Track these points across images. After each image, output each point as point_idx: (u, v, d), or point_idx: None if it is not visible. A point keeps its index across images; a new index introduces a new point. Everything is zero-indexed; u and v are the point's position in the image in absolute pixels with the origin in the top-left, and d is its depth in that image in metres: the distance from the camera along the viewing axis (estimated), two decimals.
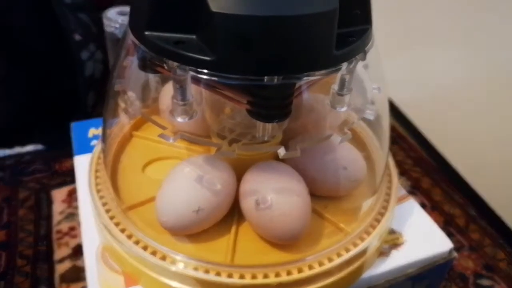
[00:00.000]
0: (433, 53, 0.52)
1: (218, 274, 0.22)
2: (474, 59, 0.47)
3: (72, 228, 0.44)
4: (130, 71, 0.24)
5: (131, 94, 0.24)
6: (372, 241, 0.25)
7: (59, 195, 0.48)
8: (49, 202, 0.47)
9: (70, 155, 0.34)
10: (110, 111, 0.27)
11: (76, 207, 0.46)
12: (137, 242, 0.24)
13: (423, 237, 0.27)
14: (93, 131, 0.36)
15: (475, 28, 0.45)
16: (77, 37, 0.51)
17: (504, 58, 0.43)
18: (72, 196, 0.48)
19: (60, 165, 0.53)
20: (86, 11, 0.55)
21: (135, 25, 0.21)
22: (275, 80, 0.19)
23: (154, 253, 0.23)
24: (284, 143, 0.26)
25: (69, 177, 0.51)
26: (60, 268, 0.40)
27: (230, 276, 0.22)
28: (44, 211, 0.46)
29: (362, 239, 0.25)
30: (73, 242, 0.43)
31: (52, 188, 0.49)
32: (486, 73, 0.45)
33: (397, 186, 0.29)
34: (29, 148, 0.55)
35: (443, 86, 0.52)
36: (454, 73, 0.50)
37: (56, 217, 0.46)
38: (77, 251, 0.42)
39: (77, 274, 0.40)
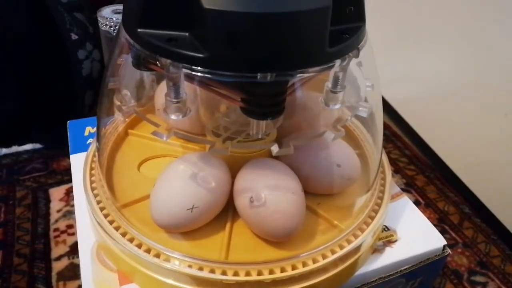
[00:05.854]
0: (427, 51, 0.52)
1: (212, 271, 0.22)
2: (468, 57, 0.47)
3: (69, 226, 0.44)
4: (124, 69, 0.24)
5: (125, 92, 0.24)
6: (366, 238, 0.25)
7: (56, 193, 0.48)
8: (47, 200, 0.48)
9: (67, 154, 0.34)
10: (104, 110, 0.27)
11: (73, 206, 0.46)
12: (131, 240, 0.24)
13: (416, 234, 0.27)
14: (90, 130, 0.36)
15: (470, 26, 0.45)
16: (74, 36, 0.51)
17: (498, 57, 0.43)
18: (69, 195, 0.48)
19: (57, 164, 0.53)
20: (82, 10, 0.55)
21: (128, 22, 0.21)
22: (268, 77, 0.19)
23: (148, 250, 0.23)
24: (279, 140, 0.26)
25: (66, 175, 0.51)
26: (57, 266, 0.40)
27: (224, 273, 0.22)
28: (41, 210, 0.46)
29: (356, 236, 0.25)
30: (70, 240, 0.43)
31: (50, 187, 0.49)
32: (480, 72, 0.45)
33: (391, 184, 0.29)
34: (27, 147, 0.55)
35: (437, 85, 0.52)
36: (448, 71, 0.50)
37: (54, 215, 0.46)
38: (75, 249, 0.42)
39: (74, 271, 0.40)
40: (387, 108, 0.61)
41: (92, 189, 0.27)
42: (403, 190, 0.49)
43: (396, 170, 0.54)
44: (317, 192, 0.27)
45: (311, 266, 0.23)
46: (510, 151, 0.42)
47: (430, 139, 0.55)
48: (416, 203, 0.49)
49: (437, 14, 0.50)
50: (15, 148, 0.55)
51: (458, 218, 0.47)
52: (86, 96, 0.56)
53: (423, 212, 0.41)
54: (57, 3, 0.51)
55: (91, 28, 0.55)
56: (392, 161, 0.55)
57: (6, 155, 0.54)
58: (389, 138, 0.59)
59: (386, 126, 0.61)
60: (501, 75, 0.43)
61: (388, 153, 0.56)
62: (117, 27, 0.37)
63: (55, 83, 0.55)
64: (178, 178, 0.24)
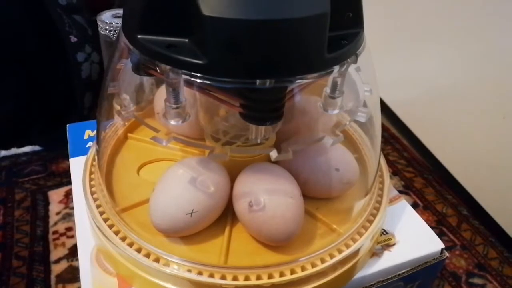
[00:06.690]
0: (426, 53, 0.53)
1: (211, 275, 0.22)
2: (466, 60, 0.47)
3: (68, 229, 0.44)
4: (124, 73, 0.24)
5: (124, 97, 0.24)
6: (365, 242, 0.25)
7: (55, 196, 0.48)
8: (46, 203, 0.48)
9: (66, 156, 0.34)
10: (104, 113, 0.27)
11: (73, 208, 0.46)
12: (131, 244, 0.24)
13: (414, 238, 0.28)
14: (89, 133, 0.36)
15: (468, 29, 0.46)
16: (73, 39, 0.51)
17: (495, 59, 0.43)
18: (69, 197, 0.48)
19: (56, 166, 0.53)
20: (81, 13, 0.55)
21: (128, 28, 0.21)
22: (267, 83, 0.19)
23: (148, 255, 0.23)
24: (278, 145, 0.26)
25: (65, 178, 0.51)
26: (56, 269, 0.40)
27: (223, 277, 0.22)
28: (40, 212, 0.46)
29: (355, 240, 0.25)
30: (69, 243, 0.43)
31: (49, 189, 0.49)
32: (478, 74, 0.45)
33: (389, 187, 0.29)
34: (26, 149, 0.55)
35: (435, 87, 0.52)
36: (446, 73, 0.50)
37: (53, 217, 0.46)
38: (74, 251, 0.42)
39: (73, 274, 0.40)
40: (386, 110, 0.62)
41: (92, 193, 0.27)
42: (401, 192, 0.49)
43: (395, 172, 0.54)
44: (315, 196, 0.27)
45: (310, 270, 0.23)
46: (508, 153, 0.43)
47: (428, 141, 0.55)
48: (415, 205, 0.49)
49: (436, 17, 0.50)
50: (14, 150, 0.55)
51: (456, 220, 0.47)
52: (86, 98, 0.56)
53: (421, 214, 0.41)
54: (56, 6, 0.51)
55: (90, 31, 0.55)
56: (390, 163, 0.55)
57: (5, 157, 0.54)
58: (387, 140, 0.59)
59: (384, 128, 0.61)
60: (499, 77, 0.43)
61: (386, 155, 0.56)
62: (116, 31, 0.38)
63: (55, 85, 0.55)
64: (178, 183, 0.24)
